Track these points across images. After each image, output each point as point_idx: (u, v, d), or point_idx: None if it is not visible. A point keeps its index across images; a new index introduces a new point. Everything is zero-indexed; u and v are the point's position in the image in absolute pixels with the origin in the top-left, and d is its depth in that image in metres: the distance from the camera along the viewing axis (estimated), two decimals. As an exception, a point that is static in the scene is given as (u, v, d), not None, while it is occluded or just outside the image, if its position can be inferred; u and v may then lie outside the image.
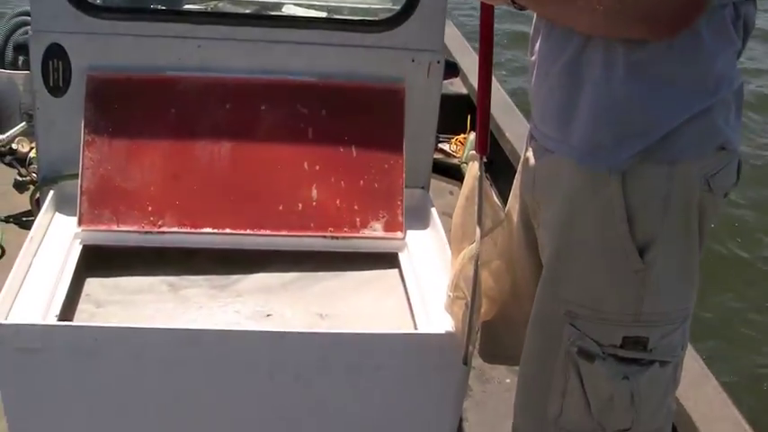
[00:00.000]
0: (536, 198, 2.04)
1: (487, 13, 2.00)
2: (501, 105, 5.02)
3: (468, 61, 4.64)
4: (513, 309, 2.20)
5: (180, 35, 2.68)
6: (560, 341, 1.94)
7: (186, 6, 3.44)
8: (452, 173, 4.67)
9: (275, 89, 2.69)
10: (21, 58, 4.42)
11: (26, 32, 4.32)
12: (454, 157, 4.98)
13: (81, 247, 2.49)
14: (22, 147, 4.27)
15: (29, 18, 4.29)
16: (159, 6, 3.23)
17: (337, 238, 2.58)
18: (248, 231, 2.56)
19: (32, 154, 4.14)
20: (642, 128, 1.81)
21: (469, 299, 2.01)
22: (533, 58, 2.01)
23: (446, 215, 2.49)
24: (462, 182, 2.18)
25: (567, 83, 1.88)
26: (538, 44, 1.99)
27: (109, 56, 2.65)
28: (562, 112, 1.91)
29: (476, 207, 2.05)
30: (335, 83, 2.71)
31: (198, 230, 2.54)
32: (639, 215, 1.83)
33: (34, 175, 3.88)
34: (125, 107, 2.63)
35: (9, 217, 4.00)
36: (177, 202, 2.55)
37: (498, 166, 4.06)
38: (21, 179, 4.01)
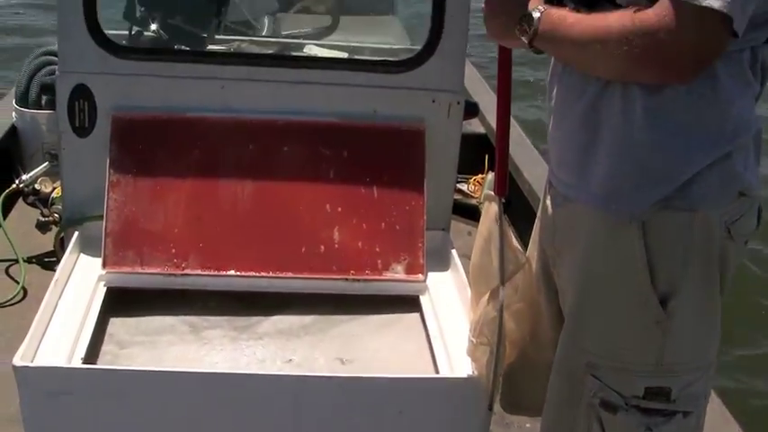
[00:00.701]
0: (556, 247, 2.04)
1: (505, 56, 2.02)
2: (518, 144, 4.99)
3: (485, 100, 4.65)
4: (534, 354, 2.19)
5: (204, 76, 2.71)
6: (582, 391, 1.93)
7: (209, 47, 3.48)
8: (471, 213, 4.64)
9: (297, 130, 2.72)
10: (44, 98, 4.45)
11: (50, 72, 4.36)
12: (472, 197, 4.95)
13: (105, 289, 2.51)
14: (45, 187, 4.26)
15: (52, 58, 4.39)
16: (183, 47, 3.28)
17: (358, 280, 2.59)
18: (271, 274, 2.57)
19: (55, 194, 4.13)
20: (661, 175, 1.80)
21: (494, 345, 2.01)
22: (551, 103, 2.01)
23: (465, 257, 2.49)
24: (481, 222, 2.18)
25: (585, 128, 1.87)
26: (555, 89, 1.99)
27: (134, 96, 2.68)
28: (580, 157, 1.90)
29: (494, 249, 2.04)
30: (357, 123, 2.73)
31: (221, 273, 2.55)
32: (661, 264, 1.82)
33: (56, 215, 3.89)
34: (150, 148, 2.66)
35: (31, 257, 4.00)
36: (200, 244, 2.57)
37: (516, 207, 4.05)
38: (43, 219, 3.99)
